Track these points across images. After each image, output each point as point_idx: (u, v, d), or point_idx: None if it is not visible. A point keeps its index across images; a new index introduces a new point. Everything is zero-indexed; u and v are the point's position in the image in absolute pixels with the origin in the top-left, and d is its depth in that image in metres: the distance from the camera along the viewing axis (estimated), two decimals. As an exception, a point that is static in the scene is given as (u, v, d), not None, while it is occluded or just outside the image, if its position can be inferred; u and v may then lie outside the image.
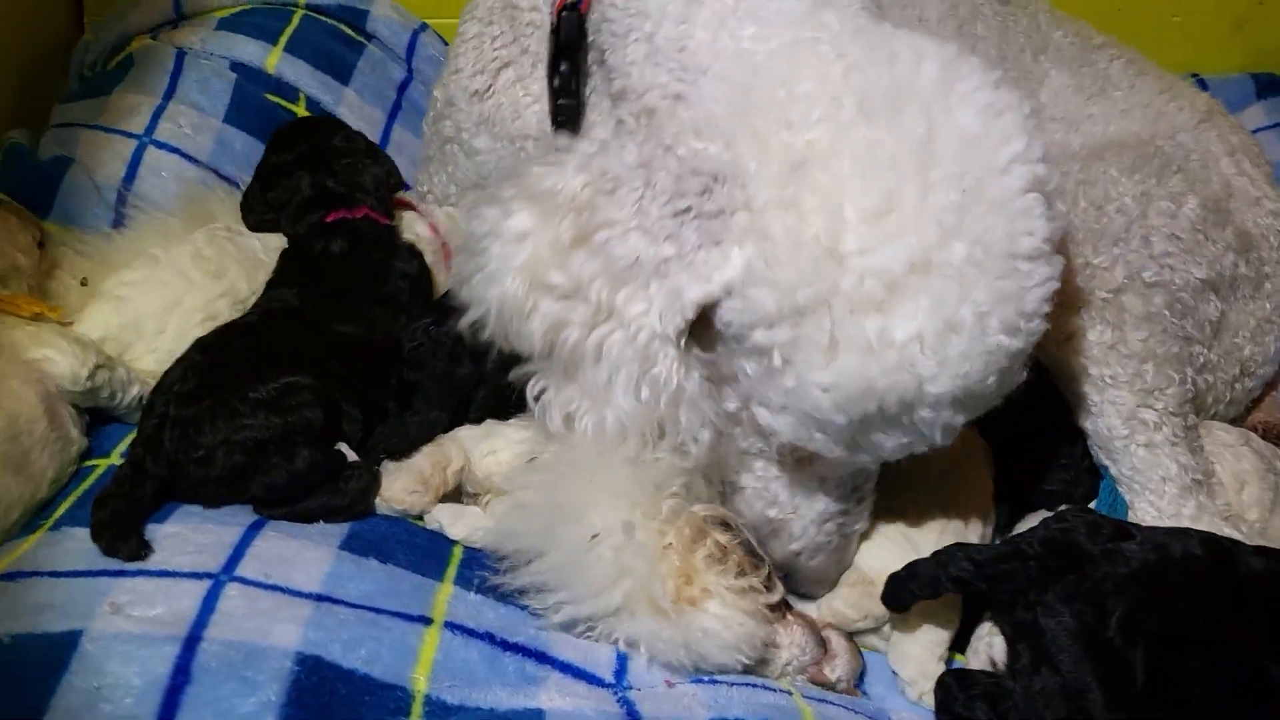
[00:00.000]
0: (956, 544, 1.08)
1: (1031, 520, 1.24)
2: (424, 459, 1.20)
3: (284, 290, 1.31)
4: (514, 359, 1.09)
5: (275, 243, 1.42)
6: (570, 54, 1.26)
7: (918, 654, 1.13)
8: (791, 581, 1.16)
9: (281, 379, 1.15)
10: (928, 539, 1.16)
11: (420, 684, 0.95)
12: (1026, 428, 1.29)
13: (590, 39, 1.23)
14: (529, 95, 1.41)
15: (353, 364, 1.24)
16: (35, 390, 1.11)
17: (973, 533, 1.20)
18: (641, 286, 1.00)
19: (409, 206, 1.54)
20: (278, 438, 1.12)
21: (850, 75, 0.95)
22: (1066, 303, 1.26)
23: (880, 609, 1.13)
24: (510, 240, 1.05)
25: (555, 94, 1.29)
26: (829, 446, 0.96)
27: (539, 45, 1.35)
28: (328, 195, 1.41)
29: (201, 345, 1.21)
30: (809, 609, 1.18)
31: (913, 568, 1.06)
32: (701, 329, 1.03)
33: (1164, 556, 1.01)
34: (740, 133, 0.96)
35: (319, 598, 1.00)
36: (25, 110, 1.74)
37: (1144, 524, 1.24)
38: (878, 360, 0.88)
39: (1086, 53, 1.61)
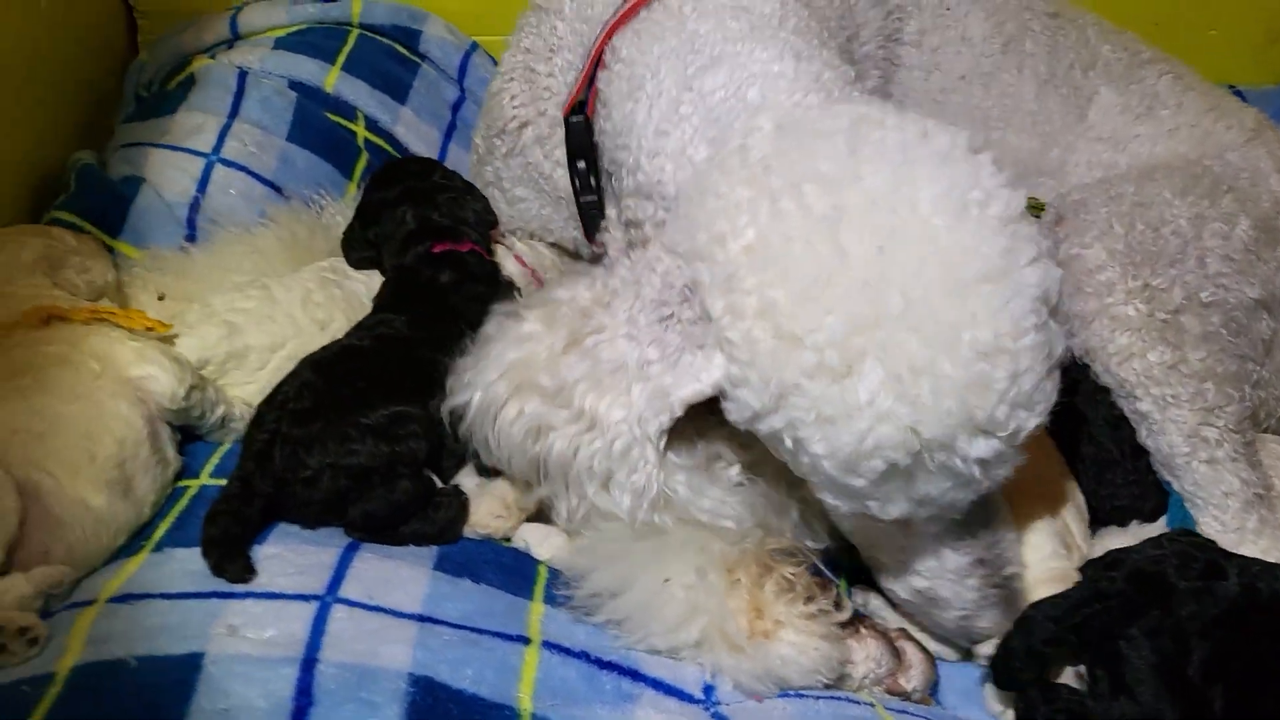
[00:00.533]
0: (1032, 606, 1.08)
1: (1106, 539, 1.28)
2: (507, 483, 1.23)
3: (392, 316, 1.34)
4: None
5: (378, 287, 1.45)
6: (585, 153, 1.32)
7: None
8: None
9: (391, 407, 1.18)
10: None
11: (525, 703, 0.98)
12: (1092, 444, 1.32)
13: (597, 143, 1.30)
14: (551, 159, 1.45)
15: None
16: (140, 411, 1.14)
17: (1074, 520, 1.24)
18: (624, 391, 1.06)
19: (495, 240, 1.58)
20: (383, 466, 1.16)
21: (769, 174, 0.97)
22: (1127, 324, 1.30)
23: None
24: (511, 341, 1.12)
25: (577, 192, 1.35)
26: (883, 509, 0.98)
27: (555, 110, 1.39)
28: (433, 227, 1.44)
29: (315, 364, 1.24)
30: (887, 615, 1.21)
31: (1006, 647, 1.07)
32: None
33: (1253, 597, 1.02)
34: (694, 248, 1.01)
35: (421, 618, 1.03)
36: (86, 132, 1.77)
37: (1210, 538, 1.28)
38: (857, 422, 0.90)
39: (1135, 69, 1.63)
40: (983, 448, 0.92)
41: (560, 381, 1.08)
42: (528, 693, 0.99)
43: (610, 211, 1.30)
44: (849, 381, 0.90)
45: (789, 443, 0.97)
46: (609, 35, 1.26)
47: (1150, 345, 1.29)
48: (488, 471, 1.24)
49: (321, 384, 1.21)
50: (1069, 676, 1.10)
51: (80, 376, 1.12)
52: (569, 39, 1.37)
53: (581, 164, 1.32)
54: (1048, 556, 1.18)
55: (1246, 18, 2.18)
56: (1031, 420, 0.94)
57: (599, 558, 1.10)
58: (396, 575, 1.09)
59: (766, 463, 1.13)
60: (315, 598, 1.02)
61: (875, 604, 1.23)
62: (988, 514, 1.08)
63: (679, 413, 1.04)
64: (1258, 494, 1.29)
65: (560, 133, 1.38)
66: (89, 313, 1.20)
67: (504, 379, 1.12)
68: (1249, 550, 1.27)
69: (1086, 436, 1.33)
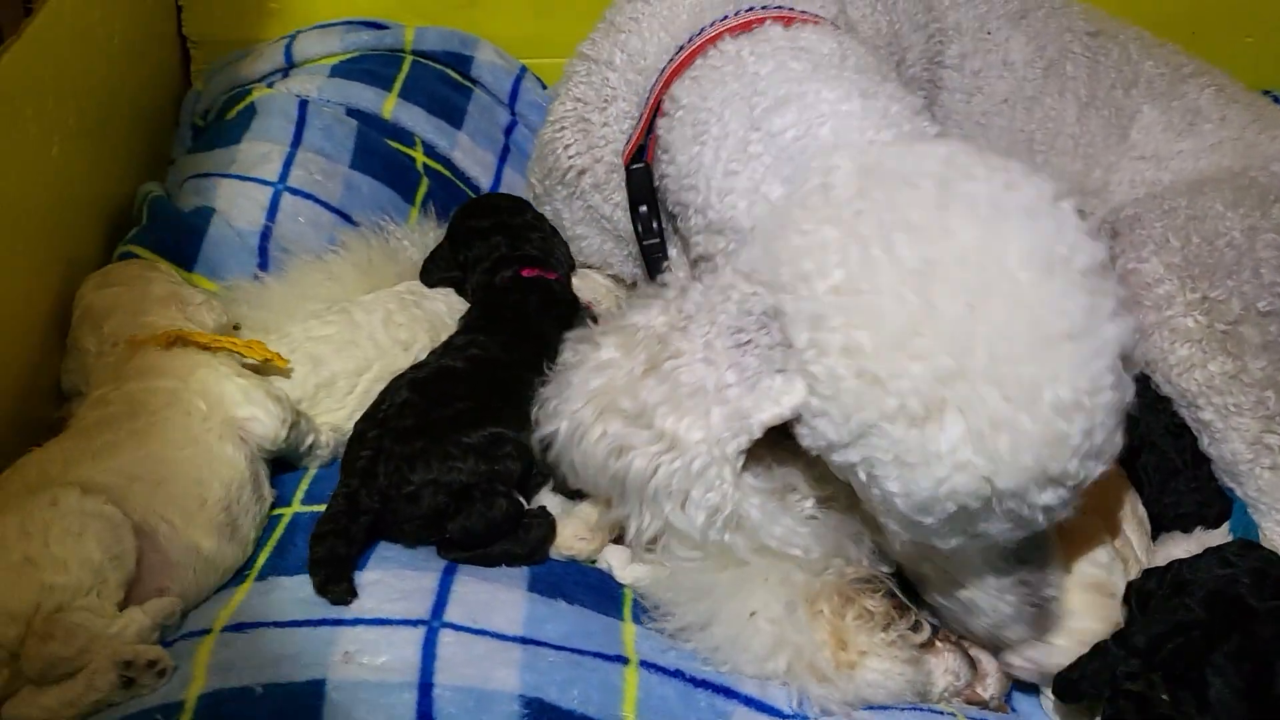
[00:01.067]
0: (1114, 636, 1.10)
1: (1170, 545, 1.31)
2: (592, 504, 1.27)
3: (484, 338, 1.38)
4: None
5: (460, 306, 1.50)
6: (646, 198, 1.36)
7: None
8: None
9: (489, 428, 1.23)
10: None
11: (631, 720, 1.02)
12: (1155, 453, 1.36)
13: (658, 186, 1.34)
14: (610, 203, 1.49)
15: None
16: (243, 452, 1.19)
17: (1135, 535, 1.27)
18: (703, 414, 1.08)
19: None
20: (483, 484, 1.20)
21: (859, 219, 0.99)
22: (1187, 335, 1.34)
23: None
24: (591, 368, 1.16)
25: (639, 235, 1.39)
26: (942, 540, 1.01)
27: (614, 156, 1.43)
28: (525, 256, 1.49)
29: (413, 384, 1.28)
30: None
31: (1080, 667, 1.10)
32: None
33: None
34: (776, 280, 1.03)
35: (524, 640, 1.07)
36: (145, 163, 1.81)
37: (1273, 543, 1.32)
38: (935, 469, 0.93)
39: (1177, 84, 1.67)
40: (1051, 497, 0.94)
41: (641, 404, 1.11)
42: (631, 711, 1.03)
43: (672, 252, 1.35)
44: (930, 429, 0.92)
45: (863, 476, 1.00)
46: (666, 85, 1.31)
47: (1211, 356, 1.33)
48: (568, 493, 1.28)
49: (421, 403, 1.25)
50: None
51: (190, 419, 1.17)
52: (622, 89, 1.42)
53: (644, 209, 1.36)
54: (1092, 566, 1.20)
55: (1282, 24, 2.20)
56: (1099, 469, 0.96)
57: (683, 591, 1.14)
58: (495, 598, 1.13)
59: (839, 497, 1.16)
60: (422, 622, 1.06)
61: None
62: (1037, 541, 1.10)
63: (758, 434, 1.07)
64: None
65: (617, 178, 1.43)
66: (213, 340, 1.25)
67: (589, 405, 1.15)
68: (1314, 554, 1.31)
69: (1149, 446, 1.36)
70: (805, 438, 1.04)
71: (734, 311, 1.08)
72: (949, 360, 0.92)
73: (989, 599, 1.11)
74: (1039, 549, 1.11)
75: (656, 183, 1.34)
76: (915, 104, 1.20)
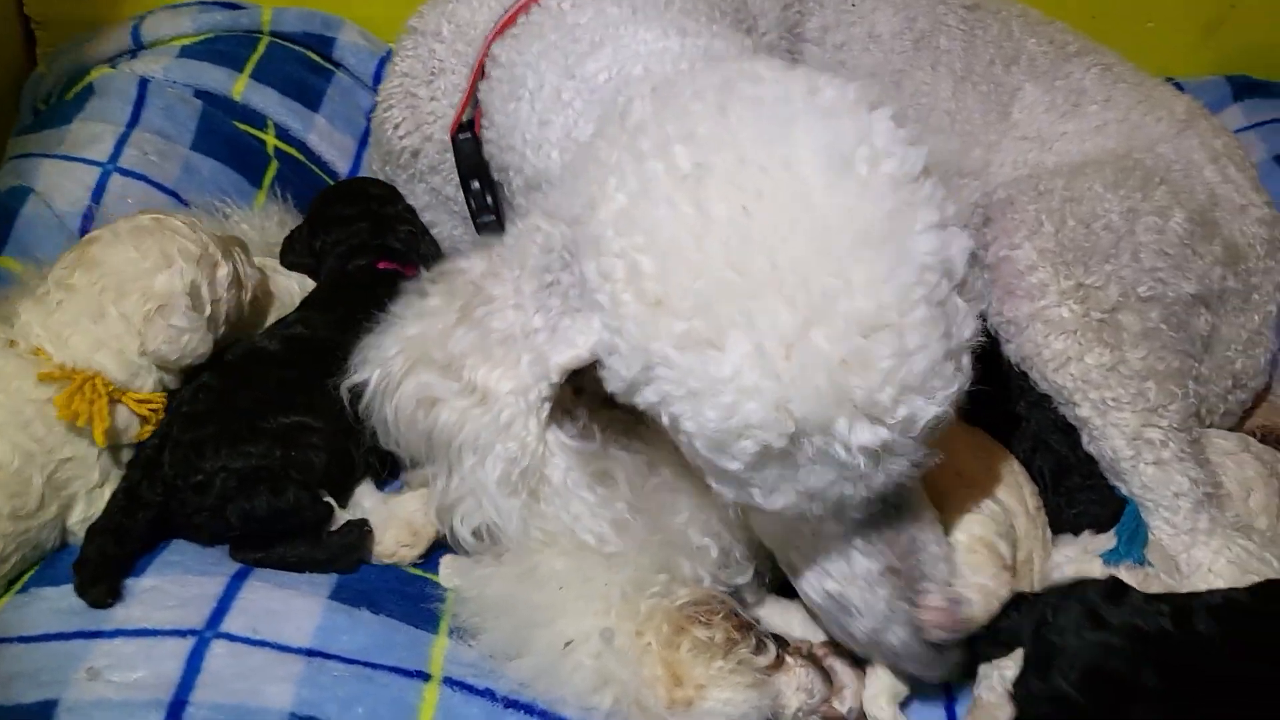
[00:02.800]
0: None
1: (1064, 547, 1.22)
2: (417, 503, 1.16)
3: (316, 316, 1.27)
4: None
5: (311, 286, 1.40)
6: (478, 171, 1.28)
7: (874, 693, 1.09)
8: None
9: (295, 416, 1.12)
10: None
11: (422, 744, 0.91)
12: (1048, 453, 1.27)
13: (487, 157, 1.26)
14: (451, 184, 1.40)
15: None
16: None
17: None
18: (512, 364, 1.01)
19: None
20: (274, 470, 1.08)
21: (640, 135, 0.92)
22: (1061, 326, 1.25)
23: None
24: (413, 316, 1.08)
25: (474, 212, 1.30)
26: (767, 498, 0.90)
27: (444, 133, 1.34)
28: (385, 249, 1.39)
29: (218, 367, 1.18)
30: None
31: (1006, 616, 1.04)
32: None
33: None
34: (573, 213, 0.96)
35: (310, 653, 0.96)
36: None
37: (1161, 542, 1.23)
38: (722, 396, 0.84)
39: (1061, 63, 1.58)
40: (867, 435, 0.83)
41: (450, 355, 1.04)
42: (425, 732, 0.92)
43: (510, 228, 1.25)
44: (714, 353, 0.83)
45: (666, 419, 0.91)
46: (488, 46, 1.23)
47: (1087, 348, 1.24)
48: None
49: (222, 386, 1.14)
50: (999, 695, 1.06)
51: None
52: (450, 61, 1.34)
53: (475, 183, 1.28)
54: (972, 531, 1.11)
55: (1183, 9, 2.15)
56: (929, 408, 0.85)
57: (492, 610, 1.03)
58: (288, 606, 1.01)
59: (679, 508, 1.07)
60: (193, 633, 0.95)
61: None
62: (900, 519, 1.01)
63: (556, 379, 0.99)
64: (1207, 493, 1.24)
65: (451, 158, 1.33)
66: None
67: (401, 355, 1.07)
68: (1201, 551, 1.23)
69: (1040, 444, 1.27)
70: (607, 381, 0.95)
71: (538, 253, 1.00)
72: (728, 273, 0.82)
73: (858, 592, 1.01)
74: (903, 529, 1.01)
75: (485, 154, 1.26)
76: (746, 46, 1.12)
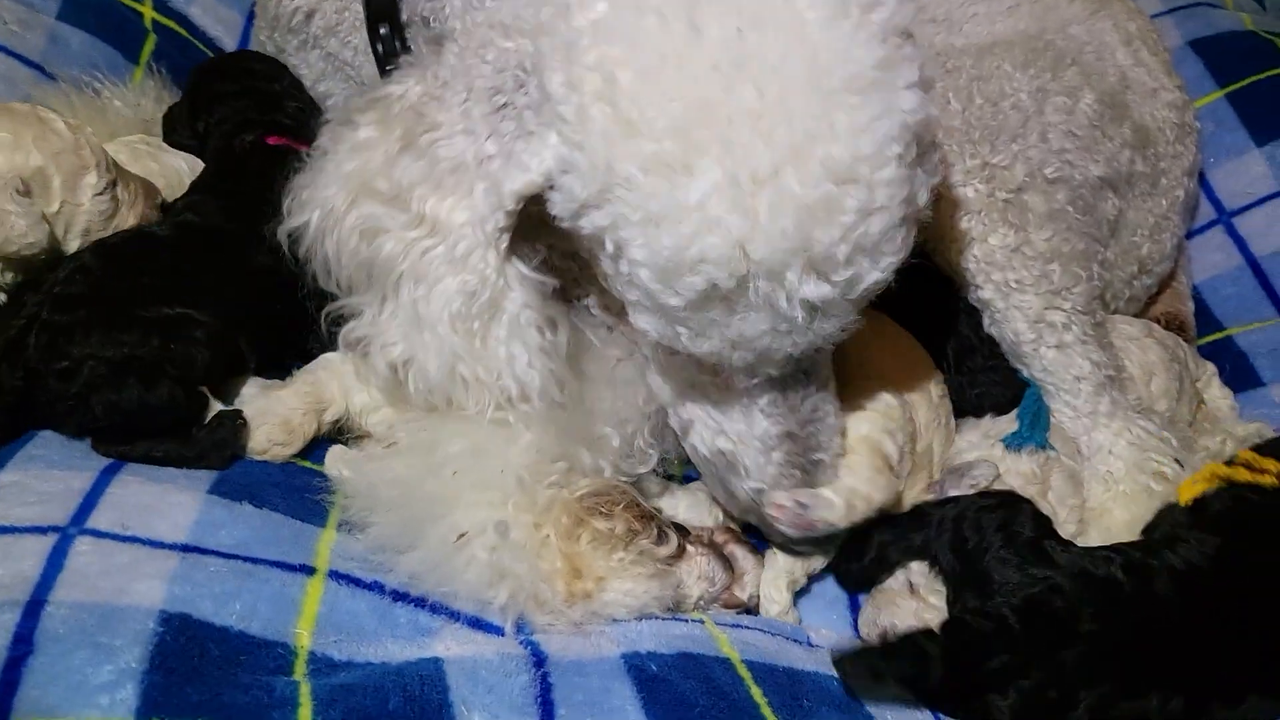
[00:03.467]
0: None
1: (967, 432, 1.22)
2: (296, 400, 1.11)
3: (208, 200, 1.19)
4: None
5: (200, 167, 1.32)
6: (388, 13, 1.20)
7: (772, 576, 1.10)
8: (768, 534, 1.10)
9: (179, 307, 1.05)
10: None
11: (303, 639, 0.87)
12: (953, 335, 1.26)
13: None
14: (349, 46, 1.32)
15: (263, 304, 1.14)
16: None
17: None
18: (465, 194, 0.96)
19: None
20: (148, 362, 1.02)
21: None
22: (965, 206, 1.22)
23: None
24: (347, 151, 1.01)
25: (381, 60, 1.22)
26: (695, 340, 0.89)
27: None
28: (274, 124, 1.31)
29: (99, 248, 1.10)
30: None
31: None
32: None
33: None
34: (538, 23, 0.90)
35: (186, 548, 0.91)
36: None
37: (1062, 425, 1.24)
38: (683, 224, 0.81)
39: (972, -58, 1.54)
40: (813, 289, 0.82)
41: (397, 185, 0.98)
42: (307, 628, 0.88)
43: (418, 39, 1.19)
44: (682, 179, 0.80)
45: (610, 246, 0.87)
46: None
47: (991, 228, 1.22)
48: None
49: (101, 269, 1.06)
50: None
51: None
52: None
53: (385, 28, 1.19)
54: (871, 428, 1.10)
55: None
56: (872, 272, 0.84)
57: (381, 501, 0.99)
58: (163, 501, 0.96)
59: (596, 381, 1.05)
60: (55, 529, 0.88)
61: None
62: (809, 385, 1.00)
63: (512, 206, 0.94)
64: (1109, 376, 1.24)
65: (351, 14, 1.26)
66: None
67: (342, 190, 1.01)
68: (1101, 434, 1.24)
69: (945, 326, 1.26)
70: (556, 205, 0.90)
71: (490, 72, 0.95)
72: (713, 95, 0.79)
73: (753, 454, 1.01)
74: (809, 396, 1.01)
75: None
76: None
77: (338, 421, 1.14)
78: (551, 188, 0.90)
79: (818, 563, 1.11)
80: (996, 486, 1.13)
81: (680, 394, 1.05)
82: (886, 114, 0.80)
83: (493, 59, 0.94)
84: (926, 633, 0.97)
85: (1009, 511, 1.03)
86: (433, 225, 0.98)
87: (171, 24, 1.64)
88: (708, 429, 1.03)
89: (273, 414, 1.09)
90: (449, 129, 0.97)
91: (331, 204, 1.01)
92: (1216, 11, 1.75)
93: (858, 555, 1.10)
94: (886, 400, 1.11)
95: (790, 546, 1.07)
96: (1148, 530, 1.16)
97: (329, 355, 1.15)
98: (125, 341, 1.01)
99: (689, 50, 0.80)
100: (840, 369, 1.09)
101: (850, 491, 1.04)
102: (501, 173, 0.93)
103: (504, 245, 0.97)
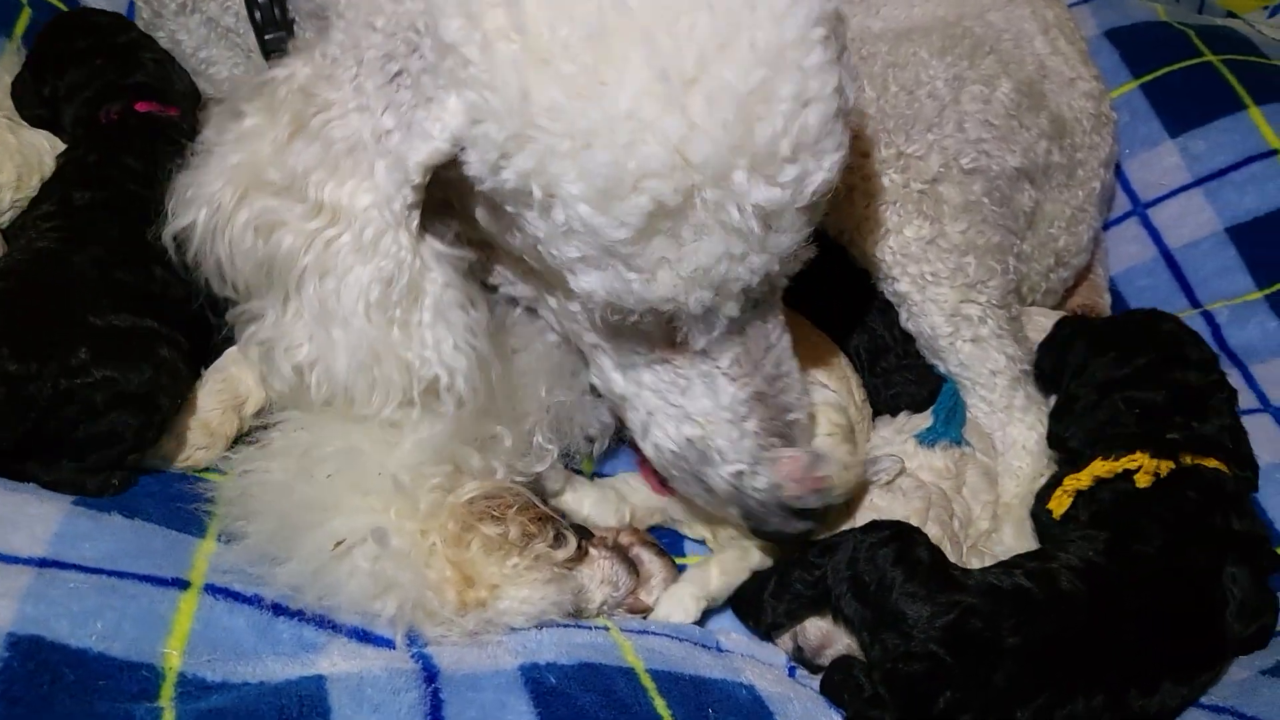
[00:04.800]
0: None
1: (881, 429, 1.20)
2: (211, 400, 1.05)
3: (75, 194, 1.10)
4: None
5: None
6: None
7: (692, 591, 1.06)
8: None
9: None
10: None
11: (173, 659, 0.81)
12: (864, 332, 1.24)
13: None
14: (230, 11, 1.25)
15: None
16: None
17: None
18: (366, 174, 0.91)
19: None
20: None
21: None
22: (880, 196, 1.19)
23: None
24: (231, 142, 0.95)
25: (260, 28, 1.15)
26: (649, 285, 0.84)
27: None
28: (138, 86, 1.22)
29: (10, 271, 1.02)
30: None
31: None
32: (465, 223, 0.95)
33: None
34: None
35: (43, 563, 0.84)
36: None
37: (978, 420, 1.22)
38: (617, 134, 0.77)
39: (892, -76, 1.51)
40: (762, 193, 0.79)
41: (289, 173, 0.92)
42: (178, 647, 0.82)
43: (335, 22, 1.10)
44: (607, 89, 0.76)
45: (539, 192, 0.82)
46: None
47: (906, 219, 1.20)
48: None
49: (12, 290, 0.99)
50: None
51: None
52: None
53: None
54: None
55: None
56: (818, 172, 0.82)
57: (257, 508, 0.93)
58: (20, 512, 0.89)
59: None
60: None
61: None
62: (769, 333, 0.96)
63: (419, 179, 0.89)
64: (1024, 370, 1.23)
65: None
66: None
67: (229, 185, 0.94)
68: (1016, 429, 1.23)
69: (859, 325, 1.24)
70: (472, 164, 0.85)
71: (380, 40, 0.89)
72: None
73: (725, 430, 0.96)
74: (770, 348, 0.97)
75: None
76: None
77: (260, 413, 1.07)
78: (462, 149, 0.85)
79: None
80: (909, 483, 1.11)
81: (634, 384, 1.00)
82: (803, 1, 0.79)
83: (382, 24, 0.89)
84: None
85: (902, 543, 1.00)
86: (334, 213, 0.92)
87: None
88: (670, 418, 0.99)
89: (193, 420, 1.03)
90: (341, 107, 0.91)
91: (219, 200, 0.94)
92: (1131, 1, 1.75)
93: (754, 617, 1.06)
94: (826, 394, 1.08)
95: (767, 532, 1.01)
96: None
97: (236, 348, 1.08)
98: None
99: None
100: None
101: (844, 458, 1.00)
102: (404, 145, 0.88)
103: (415, 224, 0.92)
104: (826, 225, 1.21)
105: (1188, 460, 1.10)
